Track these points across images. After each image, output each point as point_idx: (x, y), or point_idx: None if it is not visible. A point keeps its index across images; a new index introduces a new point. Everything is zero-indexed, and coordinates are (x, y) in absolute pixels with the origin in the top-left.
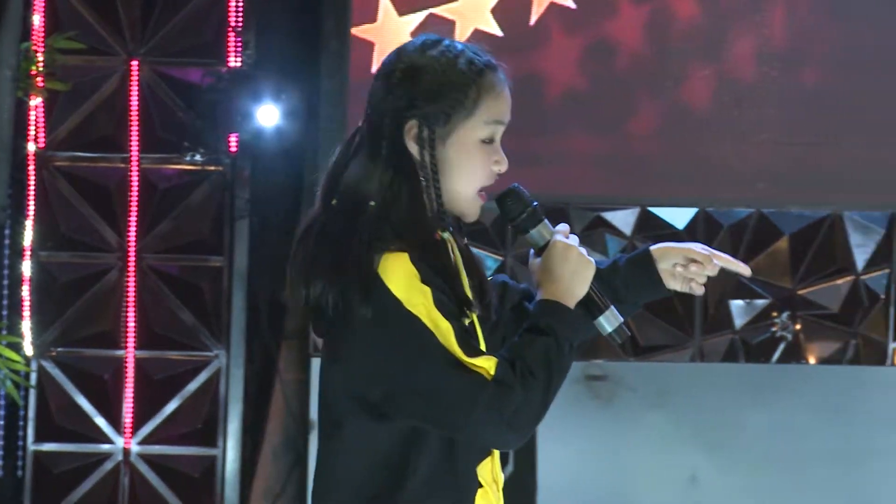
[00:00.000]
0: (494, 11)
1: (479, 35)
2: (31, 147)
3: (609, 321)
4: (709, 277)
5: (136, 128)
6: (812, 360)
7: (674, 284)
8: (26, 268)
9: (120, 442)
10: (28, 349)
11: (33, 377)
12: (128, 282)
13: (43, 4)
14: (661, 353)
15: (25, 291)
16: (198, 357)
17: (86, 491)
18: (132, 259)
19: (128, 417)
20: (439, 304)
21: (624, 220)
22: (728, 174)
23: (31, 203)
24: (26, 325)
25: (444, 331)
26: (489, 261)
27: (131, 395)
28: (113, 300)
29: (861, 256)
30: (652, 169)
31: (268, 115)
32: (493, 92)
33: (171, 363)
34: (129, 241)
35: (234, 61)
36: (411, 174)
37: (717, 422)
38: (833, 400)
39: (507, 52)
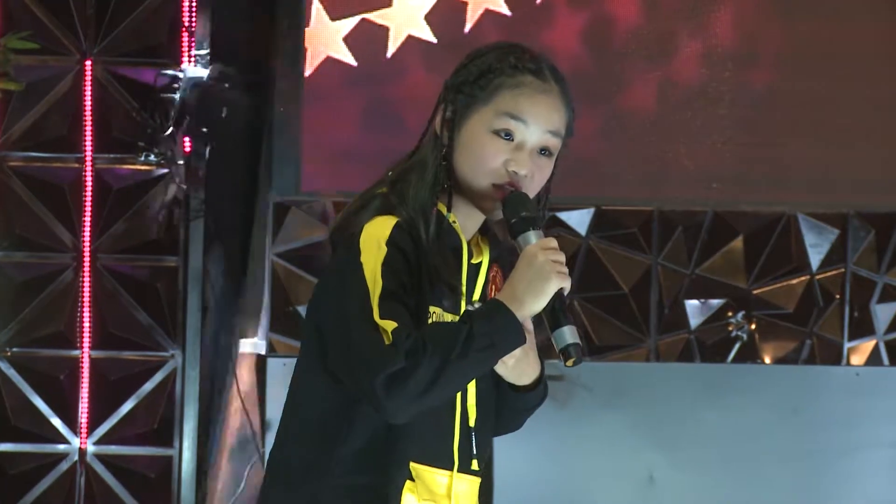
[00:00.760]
0: (429, 17)
1: (413, 41)
2: None
3: (563, 337)
4: (664, 277)
5: (91, 128)
6: (767, 360)
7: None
8: None
9: (76, 442)
10: None
11: None
12: (83, 282)
13: None
14: (616, 352)
15: None
16: (153, 357)
17: (42, 491)
18: (87, 259)
19: (83, 418)
20: (387, 265)
21: (580, 220)
22: (682, 175)
23: None
24: None
25: (376, 288)
26: None
27: (87, 395)
28: (68, 300)
29: (816, 256)
30: (607, 170)
31: (222, 115)
32: (519, 88)
33: (127, 363)
34: (83, 242)
35: (187, 61)
36: (429, 151)
37: (673, 421)
38: (788, 399)
39: (441, 60)
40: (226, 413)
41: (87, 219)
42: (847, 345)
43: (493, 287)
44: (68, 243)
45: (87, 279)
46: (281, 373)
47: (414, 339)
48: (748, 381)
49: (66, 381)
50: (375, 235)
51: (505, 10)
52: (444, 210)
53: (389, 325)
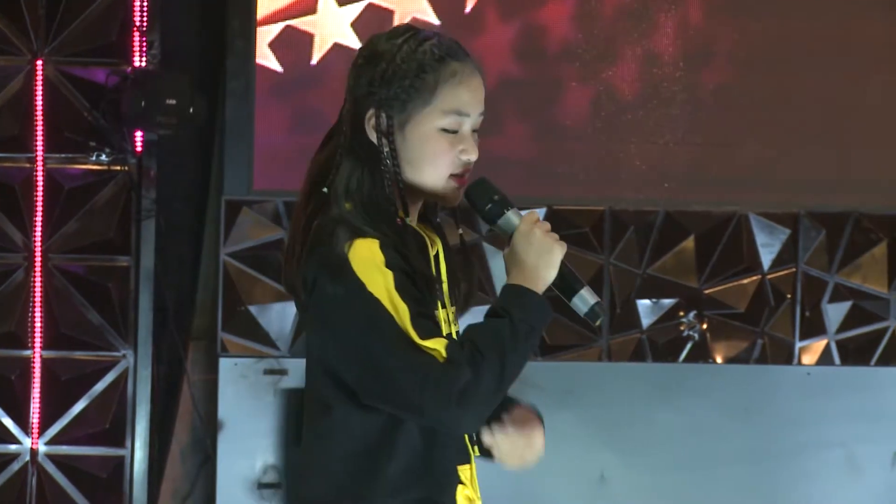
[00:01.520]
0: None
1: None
2: None
3: (584, 301)
4: (616, 277)
5: (42, 127)
6: (719, 360)
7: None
8: None
9: (27, 442)
10: None
11: None
12: (34, 282)
13: None
14: (568, 352)
15: None
16: (105, 357)
17: None
18: (38, 259)
19: (35, 418)
20: (400, 288)
21: None
22: (634, 175)
23: None
24: None
25: (402, 313)
26: None
27: (38, 395)
28: (19, 300)
29: (767, 256)
30: (558, 169)
31: (173, 114)
32: (454, 81)
33: (79, 363)
34: (35, 241)
35: (139, 61)
36: (373, 161)
37: (625, 421)
38: (740, 399)
39: None
40: (177, 413)
41: (39, 218)
42: (798, 344)
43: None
44: (19, 243)
45: (38, 279)
46: (232, 372)
47: (469, 349)
48: (700, 381)
49: (17, 381)
50: (370, 261)
51: (433, 19)
52: (402, 215)
53: (438, 344)
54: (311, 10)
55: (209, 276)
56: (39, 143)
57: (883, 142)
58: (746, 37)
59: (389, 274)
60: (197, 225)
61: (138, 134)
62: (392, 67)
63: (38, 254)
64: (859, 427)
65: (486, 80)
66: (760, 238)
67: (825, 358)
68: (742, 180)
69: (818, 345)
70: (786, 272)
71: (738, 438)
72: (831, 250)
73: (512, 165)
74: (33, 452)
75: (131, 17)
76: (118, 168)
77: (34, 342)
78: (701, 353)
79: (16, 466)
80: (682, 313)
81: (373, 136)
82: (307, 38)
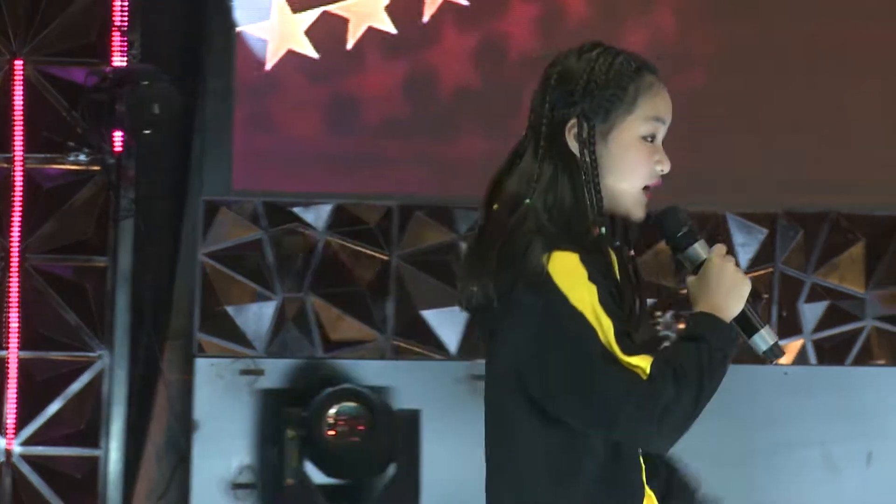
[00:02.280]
0: (388, 9)
1: (373, 33)
2: None
3: (764, 340)
4: None
5: (21, 127)
6: None
7: None
8: None
9: (2, 443)
10: None
11: None
12: (11, 282)
13: None
14: None
15: None
16: (81, 358)
17: None
18: (15, 259)
19: (10, 418)
20: (604, 303)
21: None
22: None
23: None
24: None
25: (606, 328)
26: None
27: (14, 395)
28: None
29: (744, 256)
30: None
31: (152, 114)
32: (652, 90)
33: (55, 364)
34: (12, 241)
35: (118, 61)
36: (573, 172)
37: None
38: (717, 398)
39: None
40: (153, 413)
41: (17, 218)
42: None
43: None
44: None
45: (15, 279)
46: (208, 372)
47: (673, 369)
48: None
49: None
50: (573, 274)
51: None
52: (598, 227)
53: (643, 361)
54: (265, 16)
55: (187, 276)
56: (18, 143)
57: (860, 142)
58: (723, 38)
59: (594, 288)
60: (175, 225)
61: (117, 134)
62: (593, 79)
63: (15, 254)
64: (836, 426)
65: None
66: (738, 238)
67: (802, 357)
68: (719, 180)
69: (795, 344)
70: (763, 272)
71: (714, 438)
72: (808, 250)
73: (492, 166)
74: (8, 453)
75: (111, 17)
76: (97, 168)
77: (10, 342)
78: None
79: None
80: (659, 313)
81: (573, 147)
82: (343, 24)
